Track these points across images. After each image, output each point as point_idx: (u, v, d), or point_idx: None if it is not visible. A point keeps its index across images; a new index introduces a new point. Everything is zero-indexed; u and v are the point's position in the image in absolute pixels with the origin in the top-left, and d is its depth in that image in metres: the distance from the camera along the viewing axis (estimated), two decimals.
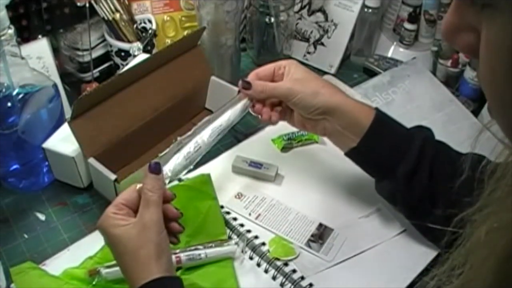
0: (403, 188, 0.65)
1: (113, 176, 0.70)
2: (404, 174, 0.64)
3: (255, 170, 0.79)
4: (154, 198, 0.55)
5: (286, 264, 0.67)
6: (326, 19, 1.07)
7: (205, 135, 0.66)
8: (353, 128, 0.65)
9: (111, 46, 0.93)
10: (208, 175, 0.76)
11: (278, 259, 0.68)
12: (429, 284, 0.41)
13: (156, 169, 0.57)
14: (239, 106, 0.68)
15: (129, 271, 0.54)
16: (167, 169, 0.62)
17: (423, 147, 0.64)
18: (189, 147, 0.65)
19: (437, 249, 0.70)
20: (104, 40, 0.94)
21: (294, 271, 0.67)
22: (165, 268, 0.53)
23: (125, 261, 0.54)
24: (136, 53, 0.90)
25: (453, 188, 0.50)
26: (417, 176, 0.63)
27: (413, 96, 0.97)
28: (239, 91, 0.69)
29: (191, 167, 0.65)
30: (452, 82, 1.00)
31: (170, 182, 0.62)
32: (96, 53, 0.94)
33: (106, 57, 0.95)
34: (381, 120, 0.66)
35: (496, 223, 0.32)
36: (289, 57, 1.09)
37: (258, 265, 0.68)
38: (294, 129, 0.86)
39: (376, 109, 0.67)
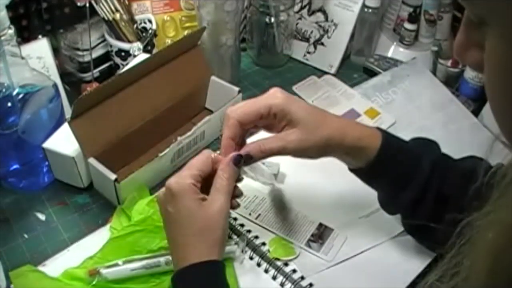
0: (406, 213, 0.64)
1: (113, 176, 0.70)
2: (408, 202, 0.62)
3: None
4: (230, 188, 0.57)
5: (286, 264, 0.67)
6: (326, 19, 1.07)
7: None
8: (358, 155, 0.62)
9: (111, 46, 0.93)
10: None
11: (278, 259, 0.68)
12: (426, 284, 0.41)
13: (238, 161, 0.58)
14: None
15: (187, 246, 0.55)
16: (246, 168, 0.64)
17: (430, 176, 0.61)
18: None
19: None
20: (104, 40, 0.94)
21: (294, 271, 0.67)
22: (222, 252, 0.57)
23: (188, 236, 0.55)
24: (136, 53, 0.90)
25: (462, 204, 0.49)
26: (422, 205, 0.62)
27: (413, 96, 0.97)
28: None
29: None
30: (452, 82, 1.00)
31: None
32: (96, 53, 0.94)
33: (106, 57, 0.96)
34: (390, 144, 0.62)
35: (501, 226, 0.33)
36: (290, 58, 1.09)
37: (258, 265, 0.68)
38: None
39: (382, 133, 0.63)
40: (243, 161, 0.59)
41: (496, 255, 0.32)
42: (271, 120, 0.61)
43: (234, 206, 0.61)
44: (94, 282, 0.63)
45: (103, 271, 0.63)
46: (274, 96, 0.60)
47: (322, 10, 1.07)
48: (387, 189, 0.65)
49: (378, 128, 0.64)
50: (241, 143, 0.62)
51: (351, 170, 0.67)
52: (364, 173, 0.65)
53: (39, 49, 0.83)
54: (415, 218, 0.63)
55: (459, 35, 0.36)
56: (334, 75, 1.05)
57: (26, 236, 0.71)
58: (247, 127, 0.62)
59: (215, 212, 0.55)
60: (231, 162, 0.58)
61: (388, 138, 0.63)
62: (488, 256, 0.33)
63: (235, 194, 0.61)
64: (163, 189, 0.59)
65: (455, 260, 0.38)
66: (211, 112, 0.88)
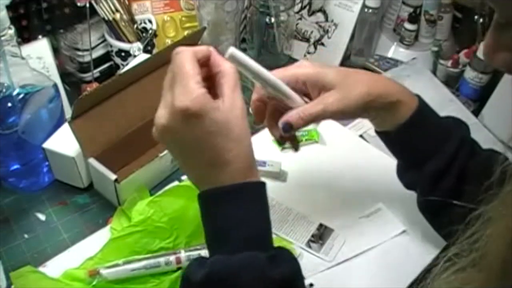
0: (427, 185, 0.62)
1: (113, 176, 0.70)
2: (432, 172, 0.61)
3: (260, 168, 0.79)
4: (239, 84, 0.51)
5: None
6: (326, 19, 1.07)
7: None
8: (392, 118, 0.61)
9: (111, 46, 0.93)
10: None
11: None
12: (445, 257, 0.41)
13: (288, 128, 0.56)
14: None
15: (233, 160, 0.49)
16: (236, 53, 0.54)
17: (458, 149, 0.61)
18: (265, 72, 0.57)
19: (437, 249, 0.70)
20: (104, 40, 0.94)
21: None
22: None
23: (229, 150, 0.48)
24: (136, 53, 0.90)
25: (481, 190, 0.49)
26: (445, 177, 0.61)
27: None
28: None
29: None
30: (452, 82, 1.00)
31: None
32: (96, 53, 0.94)
33: (106, 57, 0.95)
34: (422, 111, 0.61)
35: None
36: (290, 58, 1.09)
37: None
38: None
39: (418, 98, 0.62)
40: (284, 131, 0.57)
41: None
42: (303, 89, 0.59)
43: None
44: (94, 283, 0.63)
45: (103, 272, 0.63)
46: (300, 66, 0.60)
47: (322, 10, 1.07)
48: (412, 157, 0.63)
49: (416, 95, 0.63)
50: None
51: (378, 132, 0.65)
52: (391, 137, 0.63)
53: (39, 49, 0.83)
54: (434, 193, 0.61)
55: (488, 38, 0.38)
56: None
57: (26, 236, 0.71)
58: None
59: (238, 114, 0.49)
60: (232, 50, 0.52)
61: (424, 105, 0.62)
62: (508, 232, 0.33)
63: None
64: (163, 121, 0.49)
65: (475, 236, 0.38)
66: None
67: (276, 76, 0.57)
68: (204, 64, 0.52)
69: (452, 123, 0.64)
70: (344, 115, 0.59)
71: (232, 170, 0.49)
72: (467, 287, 0.36)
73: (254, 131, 0.89)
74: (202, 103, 0.47)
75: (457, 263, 0.39)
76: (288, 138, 0.63)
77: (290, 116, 0.57)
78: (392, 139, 0.63)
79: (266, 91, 0.58)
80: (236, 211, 0.49)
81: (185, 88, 0.48)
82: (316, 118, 0.58)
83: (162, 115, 0.50)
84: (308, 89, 0.59)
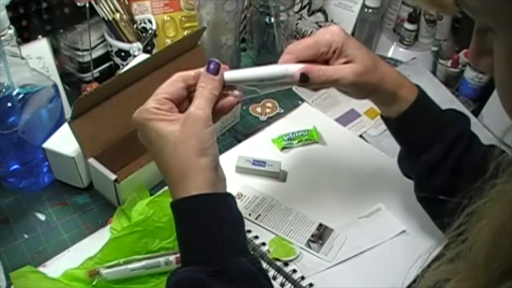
0: (422, 174, 0.64)
1: (113, 176, 0.70)
2: (426, 163, 0.62)
3: (260, 169, 0.79)
4: (205, 93, 0.53)
5: (286, 264, 0.67)
6: (326, 19, 1.07)
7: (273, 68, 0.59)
8: (394, 103, 0.63)
9: (111, 46, 0.93)
10: None
11: (278, 259, 0.68)
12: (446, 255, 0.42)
13: (214, 70, 0.55)
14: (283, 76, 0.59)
15: (168, 171, 0.51)
16: (228, 75, 0.56)
17: (455, 141, 0.62)
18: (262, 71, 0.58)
19: (437, 249, 0.69)
20: (104, 40, 0.94)
21: (294, 271, 0.67)
22: (209, 167, 0.51)
23: (164, 158, 0.51)
24: (136, 53, 0.90)
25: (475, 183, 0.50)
26: (439, 169, 0.62)
27: None
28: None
29: (257, 90, 0.59)
30: (452, 82, 1.00)
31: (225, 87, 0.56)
32: (96, 53, 0.94)
33: (106, 57, 0.95)
34: (422, 100, 0.64)
35: (509, 198, 0.34)
36: None
37: None
38: (294, 129, 0.86)
39: (418, 87, 0.64)
40: (300, 80, 0.58)
41: (501, 225, 0.33)
42: (328, 56, 0.61)
43: (216, 118, 0.55)
44: (94, 283, 0.63)
45: (103, 272, 0.63)
46: (334, 33, 0.60)
47: (322, 10, 1.07)
48: (411, 146, 0.65)
49: (417, 86, 0.65)
50: None
51: (383, 117, 0.67)
52: (393, 123, 0.65)
53: (39, 49, 0.83)
54: (430, 182, 0.63)
55: (472, 44, 0.39)
56: None
57: (26, 236, 0.71)
58: (303, 59, 0.61)
59: (183, 123, 0.51)
60: (204, 71, 0.54)
61: (423, 96, 0.64)
62: (493, 225, 0.34)
63: (224, 105, 0.55)
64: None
65: (462, 228, 0.39)
66: None
67: (310, 46, 0.60)
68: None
69: (452, 115, 0.65)
70: (353, 91, 0.63)
71: (172, 178, 0.52)
72: (454, 278, 0.37)
73: (254, 131, 0.89)
74: (143, 114, 0.53)
75: (445, 254, 0.40)
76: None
77: (310, 69, 0.59)
78: (394, 126, 0.66)
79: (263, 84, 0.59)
80: (186, 225, 0.51)
81: (149, 100, 0.54)
82: (330, 83, 0.60)
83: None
84: (333, 55, 0.61)
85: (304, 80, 0.59)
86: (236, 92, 0.57)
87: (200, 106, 0.52)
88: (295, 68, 0.59)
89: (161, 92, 0.54)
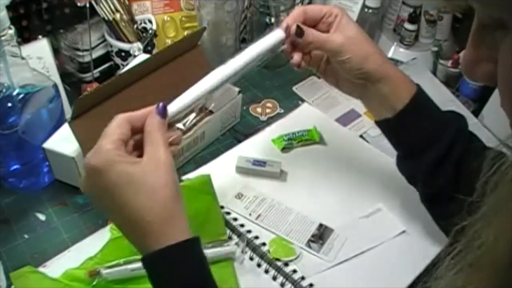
0: (427, 173, 0.63)
1: None
2: (432, 160, 0.62)
3: (260, 169, 0.79)
4: (163, 139, 0.51)
5: (286, 265, 0.67)
6: None
7: (225, 70, 0.60)
8: (392, 99, 0.63)
9: (111, 46, 0.93)
10: (208, 176, 0.75)
11: (278, 260, 0.68)
12: (450, 255, 0.41)
13: (163, 113, 0.54)
14: (272, 40, 0.62)
15: (142, 218, 0.48)
16: (170, 110, 0.57)
17: (456, 138, 0.62)
18: (201, 88, 0.59)
19: (437, 249, 0.70)
20: (105, 40, 0.94)
21: (294, 271, 0.67)
22: (182, 212, 0.50)
23: (137, 204, 0.48)
24: (136, 54, 0.90)
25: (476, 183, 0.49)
26: (444, 165, 0.61)
27: None
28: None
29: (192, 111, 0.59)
30: (453, 82, 1.00)
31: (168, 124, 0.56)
32: (97, 53, 0.94)
33: (106, 57, 0.95)
34: (421, 98, 0.64)
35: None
36: None
37: (259, 265, 0.68)
38: (294, 130, 0.86)
39: (418, 86, 0.65)
40: (296, 33, 0.62)
41: None
42: (328, 25, 0.64)
43: (174, 154, 0.54)
44: (94, 283, 0.63)
45: (103, 272, 0.63)
46: (338, 8, 0.65)
47: None
48: (411, 146, 0.64)
49: (416, 84, 0.65)
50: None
51: (377, 122, 0.67)
52: (391, 124, 0.64)
53: (39, 49, 0.83)
54: (433, 183, 0.62)
55: (467, 51, 0.36)
56: None
57: (26, 236, 0.71)
58: (308, 21, 0.64)
59: (157, 167, 0.49)
60: (154, 113, 0.53)
61: (422, 93, 0.64)
62: (507, 232, 0.33)
63: (173, 142, 0.55)
64: (81, 178, 0.52)
65: (476, 234, 0.37)
66: (211, 112, 0.88)
67: (314, 5, 0.67)
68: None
69: (450, 113, 0.65)
70: (341, 67, 0.64)
71: (147, 226, 0.48)
72: (468, 287, 0.36)
73: (254, 131, 0.89)
74: (105, 158, 0.49)
75: (459, 262, 0.39)
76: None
77: (306, 27, 0.63)
78: (391, 126, 0.65)
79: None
80: (159, 279, 0.50)
81: (96, 146, 0.51)
82: (320, 43, 0.63)
83: (82, 179, 0.53)
84: (331, 26, 0.64)
85: (299, 33, 0.62)
86: (176, 127, 0.58)
87: (167, 153, 0.51)
88: (279, 32, 0.62)
89: (113, 133, 0.51)
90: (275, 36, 0.62)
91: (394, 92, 0.63)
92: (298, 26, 0.62)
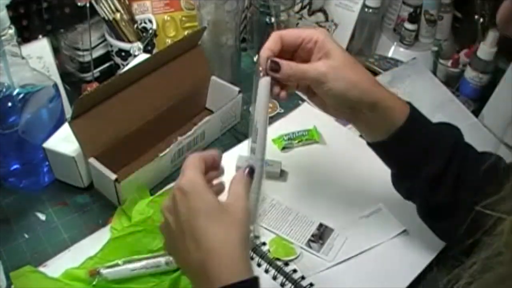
0: (426, 189, 0.61)
1: (113, 176, 0.70)
2: (432, 175, 0.60)
3: None
4: (247, 196, 0.53)
5: (286, 264, 0.67)
6: (327, 19, 1.07)
7: (258, 149, 0.57)
8: (383, 124, 0.61)
9: (111, 46, 0.93)
10: None
11: (278, 259, 0.68)
12: (465, 274, 0.40)
13: (252, 175, 0.55)
14: (267, 91, 0.59)
15: (222, 245, 0.47)
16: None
17: (454, 151, 0.60)
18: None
19: (437, 249, 0.70)
20: (105, 40, 0.94)
21: (294, 271, 0.67)
22: (248, 256, 0.51)
23: (219, 233, 0.48)
24: (136, 53, 0.90)
25: (477, 194, 0.46)
26: (444, 179, 0.60)
27: (414, 96, 0.96)
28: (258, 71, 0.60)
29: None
30: (453, 82, 1.00)
31: None
32: (97, 53, 0.94)
33: (106, 57, 0.95)
34: (415, 118, 0.61)
35: None
36: None
37: (259, 265, 0.68)
38: (295, 129, 0.86)
39: (410, 105, 0.62)
40: (270, 68, 0.58)
41: None
42: (308, 52, 0.60)
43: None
44: (94, 283, 0.63)
45: (104, 271, 0.63)
46: (319, 31, 0.61)
47: (322, 10, 1.07)
48: (407, 165, 0.62)
49: (407, 102, 0.63)
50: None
51: (370, 144, 0.64)
52: (385, 147, 0.62)
53: (40, 49, 0.83)
54: (433, 198, 0.61)
55: (506, 3, 0.36)
56: None
57: (26, 236, 0.71)
58: (286, 47, 0.61)
59: (242, 209, 0.50)
60: (243, 173, 0.54)
61: (416, 112, 0.62)
62: None
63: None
64: (165, 202, 0.52)
65: (497, 251, 0.37)
66: (211, 112, 0.88)
67: (293, 30, 0.63)
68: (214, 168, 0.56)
69: (444, 128, 0.63)
70: (325, 95, 0.60)
71: (218, 258, 0.47)
72: None
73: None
74: (194, 184, 0.50)
75: (478, 279, 0.38)
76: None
77: (283, 62, 0.59)
78: (386, 148, 0.63)
79: None
80: None
81: (182, 174, 0.51)
82: (300, 74, 0.59)
83: (164, 201, 0.53)
84: (312, 52, 0.61)
85: (274, 68, 0.58)
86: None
87: (247, 208, 0.51)
88: (266, 80, 0.59)
89: (198, 166, 0.52)
90: (265, 85, 0.59)
91: (384, 117, 0.60)
92: (272, 61, 0.58)
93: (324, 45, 0.59)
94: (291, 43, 0.61)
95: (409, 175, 0.63)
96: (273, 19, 1.01)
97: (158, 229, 0.55)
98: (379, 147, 0.64)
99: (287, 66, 0.59)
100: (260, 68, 0.59)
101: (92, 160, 0.72)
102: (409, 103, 0.62)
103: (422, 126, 0.62)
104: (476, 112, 0.94)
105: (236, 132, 0.90)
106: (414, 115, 0.61)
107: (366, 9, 1.03)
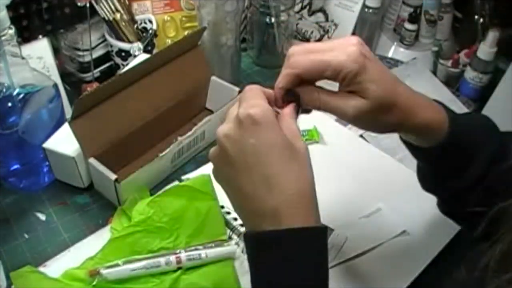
0: (459, 193, 0.56)
1: (113, 176, 0.70)
2: (476, 177, 0.54)
3: None
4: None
5: None
6: (327, 19, 1.07)
7: None
8: (424, 136, 0.54)
9: (111, 46, 0.93)
10: (209, 176, 0.75)
11: None
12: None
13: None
14: None
15: (293, 185, 0.44)
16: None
17: (494, 147, 0.54)
18: None
19: (437, 249, 0.70)
20: (105, 40, 0.94)
21: None
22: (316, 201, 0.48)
23: (291, 171, 0.44)
24: (136, 53, 0.90)
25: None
26: (479, 184, 0.54)
27: None
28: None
29: None
30: (453, 82, 1.01)
31: None
32: (97, 53, 0.94)
33: (106, 57, 0.95)
34: (456, 130, 0.54)
35: None
36: None
37: None
38: None
39: (448, 113, 0.55)
40: (287, 95, 0.51)
41: None
42: (334, 81, 0.50)
43: None
44: (94, 283, 0.63)
45: (104, 272, 0.63)
46: (349, 56, 0.47)
47: (322, 10, 1.07)
48: (447, 169, 0.56)
49: (442, 105, 0.56)
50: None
51: (404, 141, 0.58)
52: (425, 154, 0.56)
53: (40, 49, 0.83)
54: (466, 200, 0.55)
55: None
56: None
57: (26, 236, 0.71)
58: (304, 82, 0.51)
59: (306, 151, 0.46)
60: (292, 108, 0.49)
61: (453, 117, 0.55)
62: None
63: None
64: (224, 127, 0.46)
65: None
66: (211, 112, 0.88)
67: (316, 63, 0.49)
68: None
69: (481, 123, 0.58)
70: (364, 127, 0.54)
71: (285, 199, 0.44)
72: None
73: None
74: (267, 112, 0.45)
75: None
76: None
77: (304, 90, 0.50)
78: (425, 155, 0.57)
79: None
80: (280, 265, 0.44)
81: (252, 100, 0.46)
82: (330, 111, 0.51)
83: (223, 128, 0.47)
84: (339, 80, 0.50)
85: (292, 95, 0.50)
86: None
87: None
88: None
89: (262, 96, 0.47)
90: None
91: (427, 129, 0.53)
92: (292, 92, 0.50)
93: (355, 83, 0.48)
94: (311, 79, 0.51)
95: (448, 179, 0.57)
96: (273, 19, 1.01)
97: (209, 157, 0.49)
98: (417, 152, 0.58)
99: (311, 98, 0.50)
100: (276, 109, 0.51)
101: (92, 160, 0.72)
102: (445, 109, 0.55)
103: (463, 134, 0.55)
104: (477, 112, 0.94)
105: None
106: (454, 126, 0.54)
107: (366, 9, 1.03)
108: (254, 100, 0.46)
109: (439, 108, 0.55)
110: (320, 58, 0.48)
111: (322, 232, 0.46)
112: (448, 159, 0.55)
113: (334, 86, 0.51)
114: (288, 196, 0.44)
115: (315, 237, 0.45)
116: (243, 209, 0.48)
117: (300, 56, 0.49)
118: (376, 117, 0.49)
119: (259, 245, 0.45)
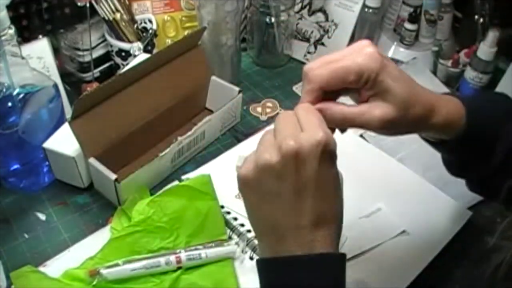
0: (490, 173, 0.56)
1: (113, 176, 0.70)
2: (501, 159, 0.54)
3: None
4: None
5: None
6: (327, 19, 1.07)
7: None
8: (443, 131, 0.54)
9: (111, 46, 0.93)
10: (209, 176, 0.76)
11: None
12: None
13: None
14: None
15: (324, 215, 0.47)
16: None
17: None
18: None
19: (437, 249, 0.69)
20: (105, 40, 0.94)
21: None
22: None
23: (324, 202, 0.47)
24: (136, 53, 0.90)
25: None
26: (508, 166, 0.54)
27: None
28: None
29: None
30: (453, 82, 1.00)
31: None
32: (97, 53, 0.94)
33: (106, 57, 0.95)
34: (473, 122, 0.53)
35: None
36: (290, 58, 1.09)
37: None
38: None
39: (465, 107, 0.54)
40: None
41: None
42: (357, 86, 0.48)
43: None
44: (94, 283, 0.63)
45: (104, 272, 0.63)
46: (370, 58, 0.47)
47: (322, 10, 1.07)
48: (471, 158, 0.57)
49: (456, 96, 0.56)
50: None
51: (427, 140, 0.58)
52: (446, 147, 0.57)
53: (40, 49, 0.83)
54: (494, 181, 0.55)
55: None
56: None
57: (26, 236, 0.71)
58: (328, 94, 0.49)
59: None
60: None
61: (471, 112, 0.54)
62: None
63: None
64: (268, 157, 0.44)
65: None
66: (211, 112, 0.88)
67: (336, 71, 0.47)
68: None
69: (498, 105, 0.57)
70: (388, 132, 0.52)
71: (332, 226, 0.48)
72: None
73: (254, 131, 0.89)
74: (335, 142, 0.44)
75: None
76: None
77: (329, 108, 0.49)
78: (445, 148, 0.57)
79: None
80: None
81: (315, 127, 0.44)
82: (355, 126, 0.50)
83: (268, 151, 0.44)
84: (361, 86, 0.48)
85: (342, 130, 0.51)
86: None
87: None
88: None
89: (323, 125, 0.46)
90: None
91: (446, 125, 0.53)
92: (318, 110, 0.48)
93: (377, 83, 0.47)
94: (334, 89, 0.49)
95: (471, 164, 0.57)
96: (273, 19, 1.01)
97: (261, 166, 0.45)
98: (432, 143, 0.59)
99: (333, 115, 0.49)
100: None
101: (92, 160, 0.72)
102: (461, 101, 0.55)
103: (483, 122, 0.54)
104: None
105: (236, 132, 0.90)
106: (472, 120, 0.54)
107: (366, 9, 1.03)
108: (323, 125, 0.45)
109: (457, 102, 0.54)
110: (340, 65, 0.47)
111: (343, 257, 0.49)
112: (470, 148, 0.55)
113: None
114: (332, 225, 0.49)
115: (340, 262, 0.48)
116: (267, 234, 0.49)
117: (318, 69, 0.48)
118: (401, 120, 0.49)
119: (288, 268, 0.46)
